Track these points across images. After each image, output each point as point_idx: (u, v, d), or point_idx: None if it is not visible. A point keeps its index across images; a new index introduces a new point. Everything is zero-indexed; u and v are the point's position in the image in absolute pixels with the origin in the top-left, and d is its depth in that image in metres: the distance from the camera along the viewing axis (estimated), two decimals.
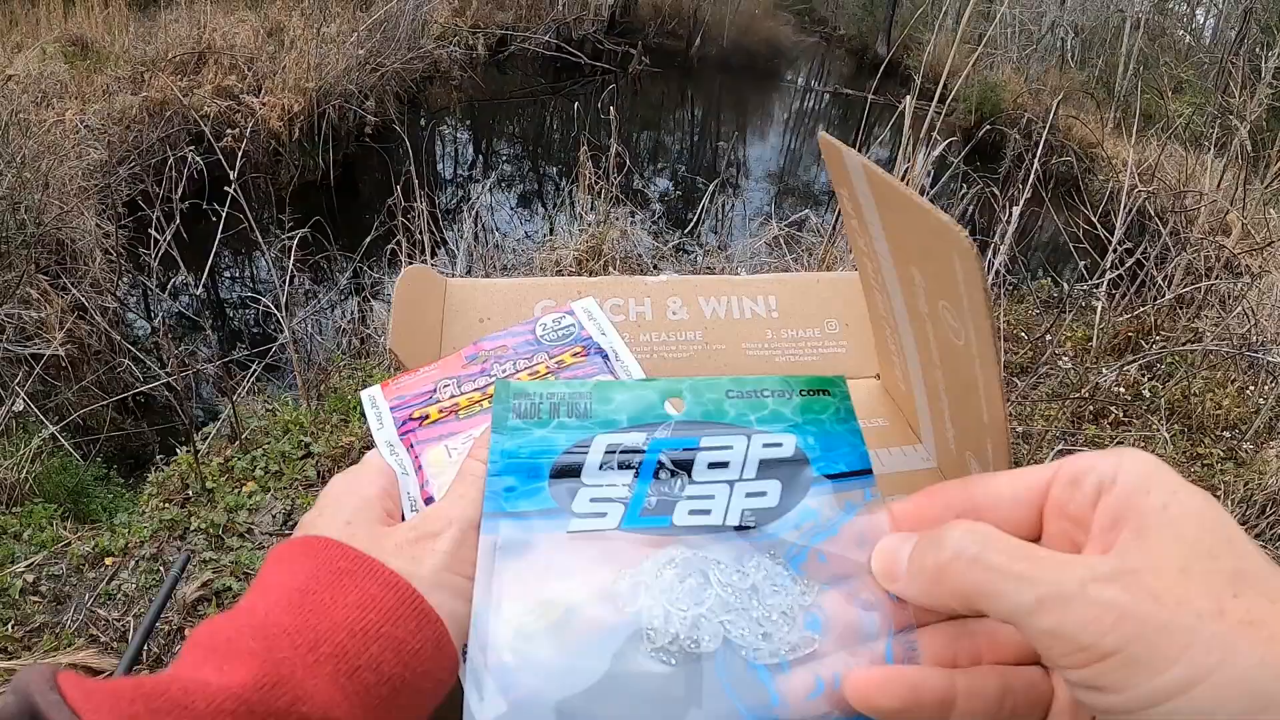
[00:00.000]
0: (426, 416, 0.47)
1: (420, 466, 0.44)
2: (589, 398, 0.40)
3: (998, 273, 3.24)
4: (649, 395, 0.40)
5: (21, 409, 2.55)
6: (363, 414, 2.58)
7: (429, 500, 0.42)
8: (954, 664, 0.32)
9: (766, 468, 0.38)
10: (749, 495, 0.37)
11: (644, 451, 0.38)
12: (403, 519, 0.40)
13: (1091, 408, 2.93)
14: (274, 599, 0.33)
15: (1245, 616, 0.24)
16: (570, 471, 0.37)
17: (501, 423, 0.39)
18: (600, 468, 0.38)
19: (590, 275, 3.34)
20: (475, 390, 0.49)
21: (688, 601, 0.34)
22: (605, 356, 0.51)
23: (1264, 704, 0.23)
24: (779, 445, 0.39)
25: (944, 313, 0.44)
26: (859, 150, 0.45)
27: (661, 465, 0.38)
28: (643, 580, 0.35)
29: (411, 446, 0.46)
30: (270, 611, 0.32)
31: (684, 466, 0.38)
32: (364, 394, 0.47)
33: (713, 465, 0.38)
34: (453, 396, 0.49)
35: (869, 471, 0.39)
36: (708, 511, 0.37)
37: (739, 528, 0.36)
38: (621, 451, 0.38)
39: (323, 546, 0.35)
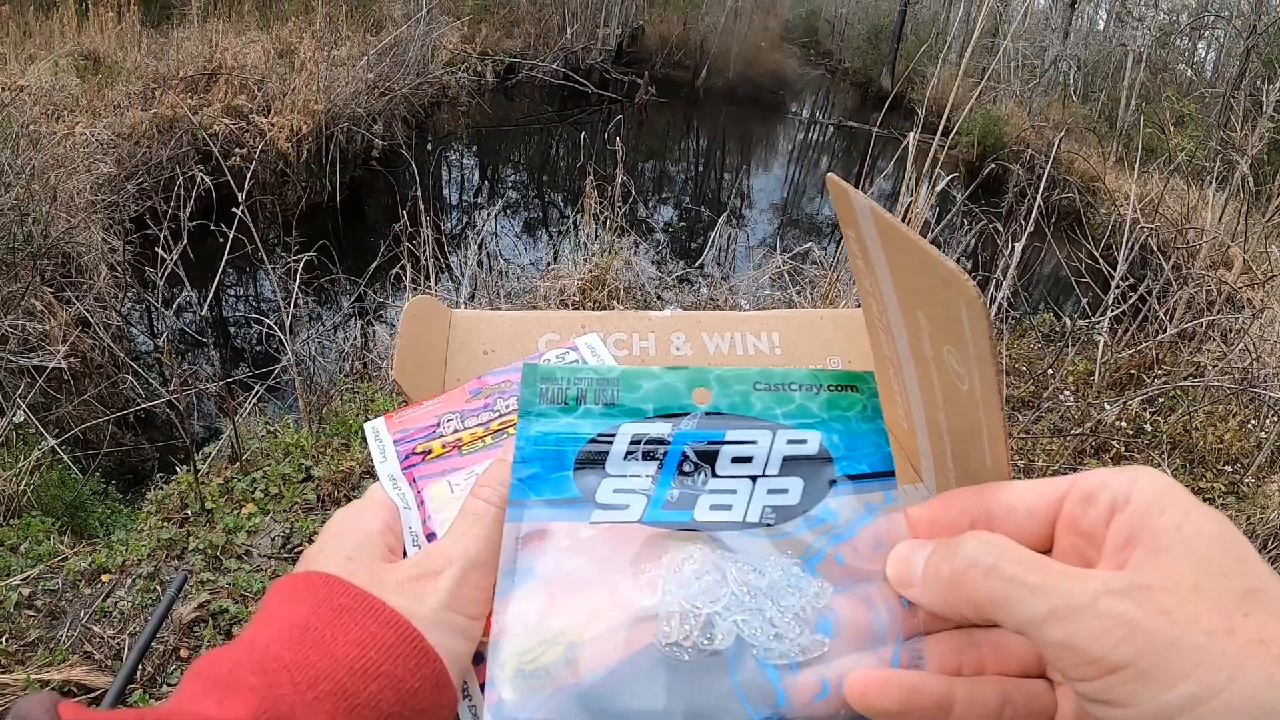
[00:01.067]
0: (430, 451, 0.47)
1: (423, 501, 0.44)
2: (616, 385, 0.39)
3: (1000, 306, 3.25)
4: (676, 384, 0.40)
5: (22, 420, 2.55)
6: (364, 440, 2.59)
7: (431, 536, 0.42)
8: (958, 672, 0.32)
9: (790, 465, 0.38)
10: (770, 492, 0.37)
11: (669, 443, 0.38)
12: (405, 554, 0.40)
13: (1093, 442, 2.93)
14: (274, 633, 0.33)
15: (1256, 635, 0.24)
16: (595, 461, 0.37)
17: (528, 408, 0.39)
18: (625, 457, 0.37)
19: (595, 308, 3.35)
20: (478, 425, 0.49)
21: (704, 599, 0.34)
22: None
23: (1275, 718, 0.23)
24: (803, 442, 0.38)
25: (948, 357, 0.45)
26: (863, 182, 0.45)
27: (685, 457, 0.37)
28: (660, 575, 0.35)
29: (414, 481, 0.46)
30: (271, 646, 0.32)
31: (708, 459, 0.37)
32: (367, 426, 0.47)
33: (736, 460, 0.38)
34: (456, 431, 0.48)
35: (891, 473, 0.39)
36: (729, 507, 0.36)
37: (759, 524, 0.36)
38: (647, 442, 0.38)
39: (323, 582, 0.35)
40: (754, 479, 0.37)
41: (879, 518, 0.37)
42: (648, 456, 0.37)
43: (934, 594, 0.31)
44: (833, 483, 0.38)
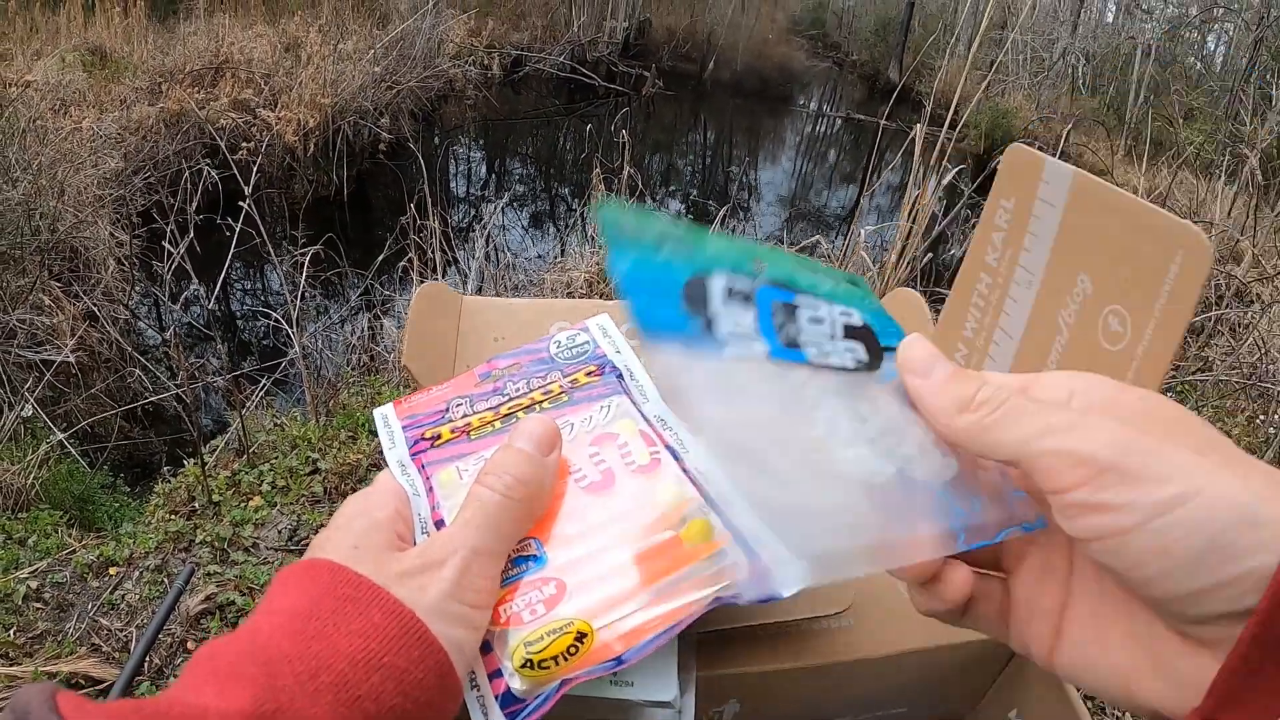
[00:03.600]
0: (439, 436, 0.47)
1: (431, 488, 0.44)
2: (685, 241, 0.36)
3: None
4: (736, 250, 0.37)
5: (30, 414, 2.56)
6: (372, 431, 2.58)
7: (440, 523, 0.42)
8: None
9: (849, 332, 0.37)
10: (847, 350, 0.36)
11: (755, 293, 0.36)
12: (414, 542, 0.40)
13: None
14: (277, 623, 0.32)
15: (1221, 461, 0.27)
16: (700, 299, 0.34)
17: (620, 242, 0.34)
18: (725, 302, 0.35)
19: (604, 299, 3.35)
20: (488, 410, 0.48)
21: (851, 430, 0.34)
22: (620, 375, 0.51)
23: (1251, 518, 0.25)
24: (850, 315, 0.38)
25: (1108, 318, 0.45)
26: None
27: (774, 310, 0.36)
28: (813, 401, 0.34)
29: (423, 467, 0.45)
30: (273, 636, 0.32)
31: (790, 315, 0.36)
32: (376, 412, 0.47)
33: (812, 320, 0.37)
34: (465, 416, 0.48)
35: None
36: (829, 354, 0.36)
37: (855, 369, 0.36)
38: (738, 289, 0.35)
39: (327, 571, 0.35)
40: (831, 339, 0.36)
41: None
42: (745, 302, 0.35)
43: (939, 403, 0.33)
44: (883, 350, 0.37)
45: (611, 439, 0.45)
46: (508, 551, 0.39)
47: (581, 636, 0.36)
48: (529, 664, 0.35)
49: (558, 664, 0.35)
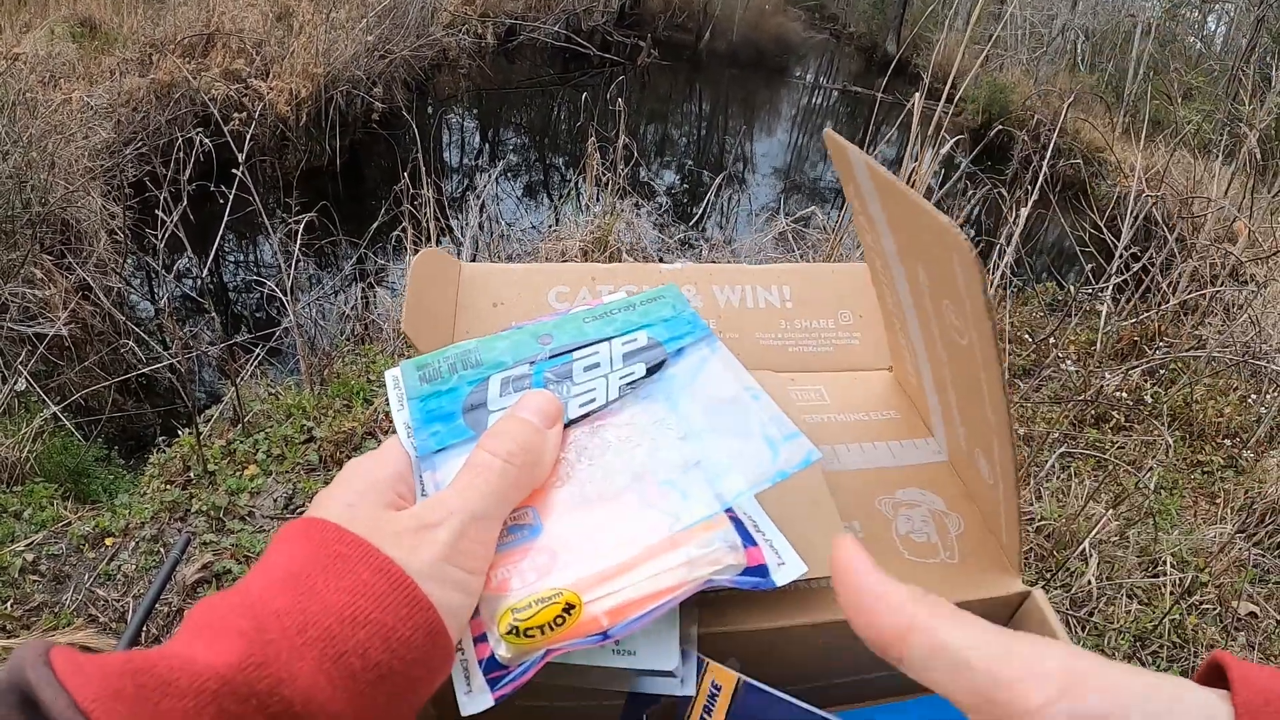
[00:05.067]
0: None
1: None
2: (476, 351, 0.47)
3: (1003, 274, 3.24)
4: (524, 338, 0.47)
5: (24, 388, 2.55)
6: (366, 400, 2.56)
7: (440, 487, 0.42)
8: None
9: (630, 356, 0.46)
10: (622, 378, 0.45)
11: (530, 375, 0.45)
12: (415, 504, 0.40)
13: (1093, 411, 2.93)
14: (269, 579, 0.33)
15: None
16: (478, 405, 0.44)
17: (413, 394, 0.45)
18: (500, 395, 0.44)
19: (606, 261, 3.33)
20: None
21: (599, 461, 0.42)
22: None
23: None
24: (635, 340, 0.47)
25: (947, 311, 0.45)
26: (867, 147, 0.46)
27: (547, 380, 0.45)
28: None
29: None
30: (264, 591, 0.32)
31: (565, 375, 0.45)
32: (388, 374, 0.47)
33: (588, 368, 0.45)
34: None
35: (709, 335, 0.47)
36: (593, 400, 0.44)
37: (619, 397, 0.44)
38: (514, 380, 0.45)
39: (321, 529, 0.35)
40: (606, 375, 0.45)
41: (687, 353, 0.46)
42: (518, 389, 0.44)
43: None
44: (667, 356, 0.46)
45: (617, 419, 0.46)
46: (504, 517, 0.39)
47: (570, 608, 0.36)
48: (515, 631, 0.35)
49: (543, 633, 0.36)
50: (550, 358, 0.46)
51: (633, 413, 0.44)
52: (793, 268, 0.62)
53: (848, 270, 0.63)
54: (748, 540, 0.40)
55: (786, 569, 0.40)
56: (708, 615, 0.44)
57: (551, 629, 0.36)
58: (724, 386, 0.45)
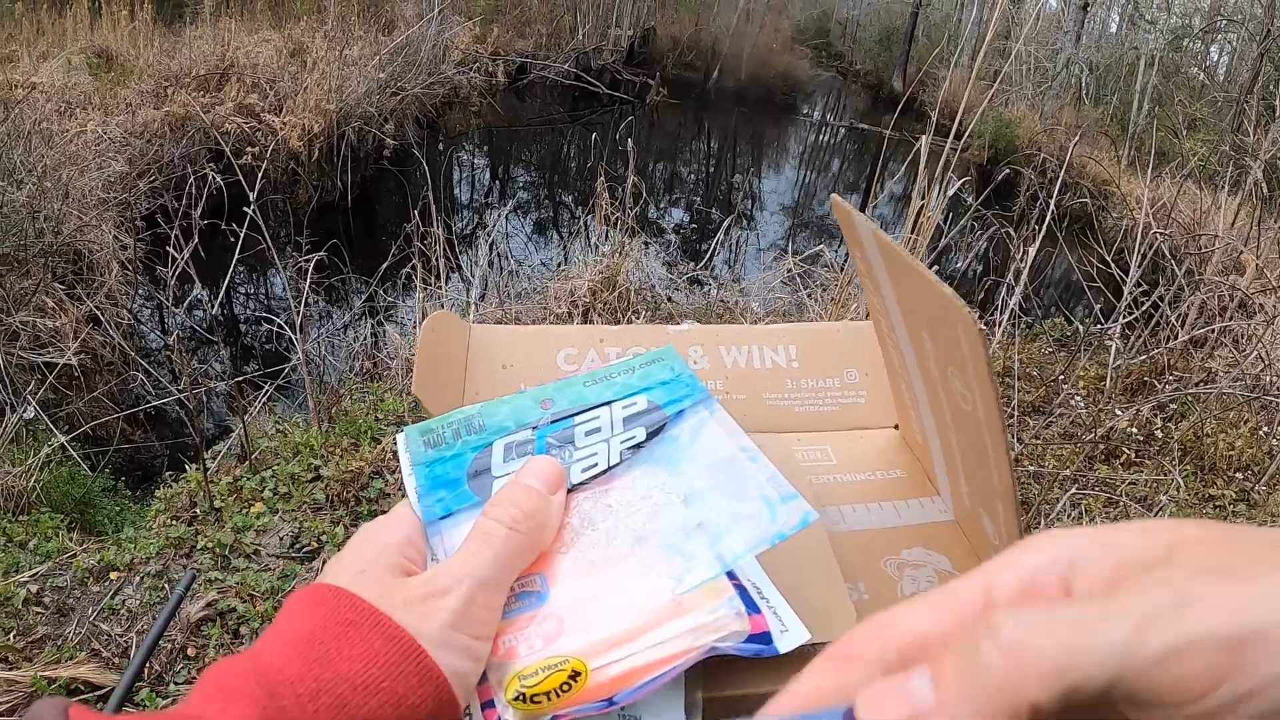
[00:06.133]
0: None
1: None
2: (479, 416, 0.48)
3: (1012, 311, 3.24)
4: (525, 402, 0.48)
5: (32, 416, 2.56)
6: (374, 438, 2.56)
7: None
8: None
9: (630, 420, 0.47)
10: (623, 442, 0.46)
11: (534, 440, 0.46)
12: (425, 569, 0.40)
13: (1104, 449, 2.91)
14: (281, 645, 0.33)
15: None
16: (482, 471, 0.45)
17: (418, 460, 0.46)
18: (504, 461, 0.45)
19: (605, 309, 3.34)
20: None
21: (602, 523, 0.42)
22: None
23: None
24: (635, 403, 0.48)
25: (952, 378, 0.45)
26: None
27: (550, 445, 0.46)
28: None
29: None
30: (276, 658, 0.32)
31: (567, 440, 0.46)
32: (399, 437, 0.48)
33: (589, 433, 0.46)
34: None
35: (708, 397, 0.48)
36: (595, 465, 0.45)
37: (620, 463, 0.45)
38: (517, 445, 0.46)
39: (332, 596, 0.35)
40: (607, 440, 0.46)
41: (686, 418, 0.47)
42: (521, 454, 0.45)
43: (982, 702, 0.21)
44: (667, 420, 0.47)
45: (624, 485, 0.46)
46: (510, 583, 0.39)
47: (576, 675, 0.36)
48: (522, 697, 0.35)
49: (550, 700, 0.36)
50: (552, 422, 0.47)
51: (634, 476, 0.44)
52: (798, 327, 0.63)
53: (853, 329, 0.64)
54: (751, 607, 0.40)
55: (790, 636, 0.40)
56: (712, 680, 0.44)
57: (558, 695, 0.36)
58: (722, 448, 0.45)
